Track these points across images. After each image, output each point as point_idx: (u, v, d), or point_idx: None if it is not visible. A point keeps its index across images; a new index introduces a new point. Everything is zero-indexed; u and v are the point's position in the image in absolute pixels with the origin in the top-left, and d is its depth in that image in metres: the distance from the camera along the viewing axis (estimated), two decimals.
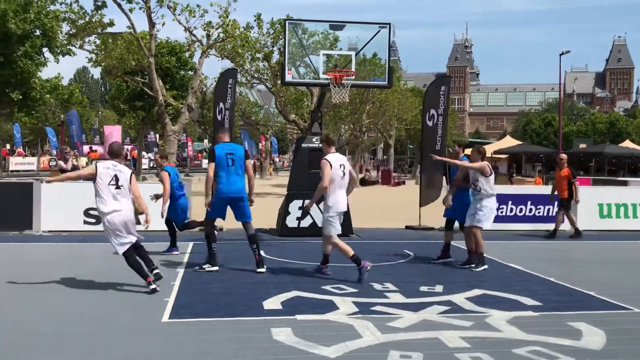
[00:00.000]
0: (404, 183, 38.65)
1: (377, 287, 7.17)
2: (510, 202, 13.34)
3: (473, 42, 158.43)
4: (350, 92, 11.64)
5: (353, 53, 11.61)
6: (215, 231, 8.49)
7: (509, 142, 43.27)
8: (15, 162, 40.69)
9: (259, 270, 7.97)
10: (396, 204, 21.48)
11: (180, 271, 8.01)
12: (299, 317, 5.74)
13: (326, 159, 7.66)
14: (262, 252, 8.21)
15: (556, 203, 12.70)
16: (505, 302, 6.54)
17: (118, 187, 6.80)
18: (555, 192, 12.55)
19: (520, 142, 46.90)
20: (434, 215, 13.96)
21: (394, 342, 5.00)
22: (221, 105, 12.38)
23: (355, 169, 38.00)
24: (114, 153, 7.18)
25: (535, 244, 11.62)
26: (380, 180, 38.96)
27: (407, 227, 13.76)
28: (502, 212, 13.40)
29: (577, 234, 12.23)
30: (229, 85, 12.53)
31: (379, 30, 11.64)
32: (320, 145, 8.17)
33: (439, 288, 7.18)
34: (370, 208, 19.42)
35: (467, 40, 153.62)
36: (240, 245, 10.71)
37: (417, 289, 7.13)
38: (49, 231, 11.72)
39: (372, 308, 6.14)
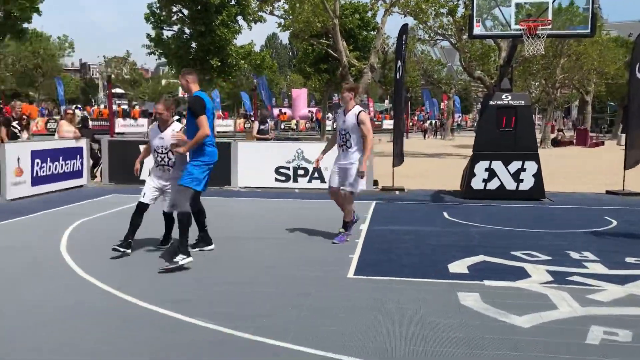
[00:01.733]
0: (602, 144, 35.22)
1: (574, 256, 6.57)
2: None
3: None
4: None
5: (550, 0, 10.58)
6: None
7: None
8: (216, 124, 44.57)
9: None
10: (594, 167, 19.64)
11: (364, 229, 8.11)
12: (487, 282, 5.48)
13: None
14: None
15: None
16: None
17: None
18: None
19: None
20: None
21: (596, 317, 4.53)
22: (399, 63, 12.20)
23: (547, 129, 35.45)
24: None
25: None
26: (575, 140, 35.92)
27: (607, 192, 12.48)
28: None
29: None
30: (403, 43, 12.34)
31: None
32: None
33: None
34: (564, 170, 18.01)
35: None
36: (423, 205, 10.59)
37: (621, 260, 6.40)
38: (245, 187, 12.64)
39: (569, 278, 5.64)
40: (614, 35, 55.97)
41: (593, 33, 11.32)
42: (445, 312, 4.67)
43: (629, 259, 6.43)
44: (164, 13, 28.29)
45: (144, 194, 6.47)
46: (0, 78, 54.36)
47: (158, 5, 28.18)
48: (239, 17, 28.80)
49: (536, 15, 10.90)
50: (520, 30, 10.40)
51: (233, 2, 27.87)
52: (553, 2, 10.67)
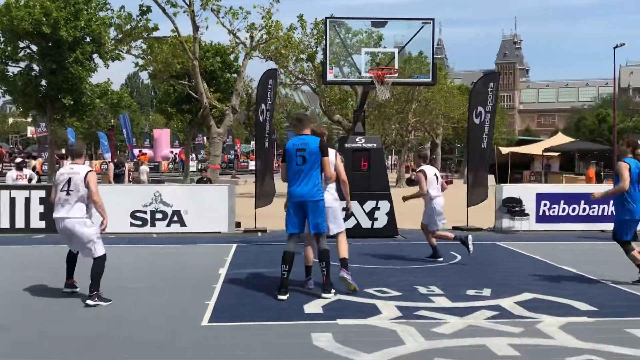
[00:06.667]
0: (451, 182, 37.95)
1: (422, 291, 6.94)
2: (562, 202, 12.82)
3: (522, 37, 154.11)
4: (396, 90, 11.49)
5: (396, 50, 11.39)
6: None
7: (560, 139, 41.89)
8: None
9: (324, 295, 6.59)
10: (444, 204, 21.01)
11: (222, 273, 7.97)
12: (340, 321, 5.59)
13: None
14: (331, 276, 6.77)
15: None
16: (557, 307, 6.21)
17: (68, 193, 6.30)
18: None
19: (572, 140, 45.39)
20: (482, 215, 13.58)
21: (438, 349, 4.78)
22: (263, 106, 12.38)
23: (401, 169, 37.62)
24: (75, 154, 6.66)
25: (588, 244, 11.11)
26: None
27: (454, 228, 13.40)
28: (553, 212, 12.90)
29: None
30: (269, 86, 12.54)
31: (423, 26, 11.40)
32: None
33: (486, 292, 6.90)
34: (416, 208, 19.08)
35: (516, 36, 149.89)
36: (283, 247, 10.62)
37: (463, 292, 6.86)
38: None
39: (416, 312, 5.93)
40: (458, 83, 61.28)
41: (434, 81, 12.33)
42: (298, 354, 4.68)
43: (469, 292, 6.90)
44: (9, 48, 26.42)
45: None
46: None
47: (2, 39, 26.30)
48: (95, 55, 27.67)
49: (386, 63, 11.65)
50: (370, 77, 11.07)
51: (88, 40, 26.76)
52: (399, 52, 11.48)
